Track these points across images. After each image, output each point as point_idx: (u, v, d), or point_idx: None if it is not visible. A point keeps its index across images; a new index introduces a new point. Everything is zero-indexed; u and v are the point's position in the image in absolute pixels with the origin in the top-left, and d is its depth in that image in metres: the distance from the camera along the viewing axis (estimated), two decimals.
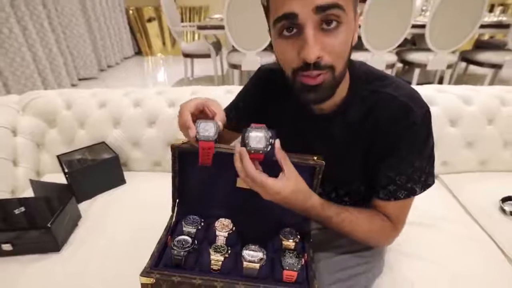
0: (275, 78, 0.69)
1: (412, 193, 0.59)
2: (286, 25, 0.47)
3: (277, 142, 0.51)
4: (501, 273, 0.79)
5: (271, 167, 0.52)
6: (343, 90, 0.59)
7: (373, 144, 0.59)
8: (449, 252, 0.84)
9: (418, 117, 0.55)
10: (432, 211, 0.95)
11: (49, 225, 0.78)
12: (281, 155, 0.52)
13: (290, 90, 0.59)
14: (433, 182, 0.62)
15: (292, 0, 0.44)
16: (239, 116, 0.79)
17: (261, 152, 0.50)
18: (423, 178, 0.59)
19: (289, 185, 0.52)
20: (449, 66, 2.67)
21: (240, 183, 0.66)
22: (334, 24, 0.45)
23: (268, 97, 0.72)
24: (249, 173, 0.50)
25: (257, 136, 0.51)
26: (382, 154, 0.58)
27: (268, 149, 0.51)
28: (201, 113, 0.58)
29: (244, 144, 0.51)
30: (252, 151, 0.50)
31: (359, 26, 2.37)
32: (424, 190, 0.61)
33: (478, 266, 0.80)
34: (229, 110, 0.81)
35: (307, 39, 0.45)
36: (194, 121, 0.54)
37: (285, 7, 0.45)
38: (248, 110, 0.78)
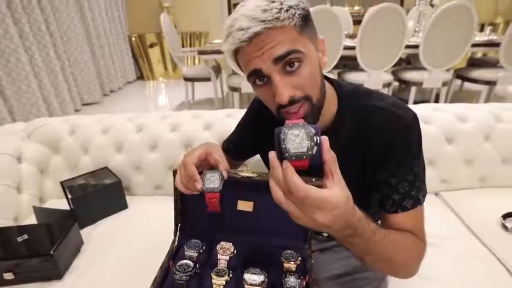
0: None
1: (417, 202, 0.58)
2: (256, 78, 0.53)
3: (325, 141, 0.39)
4: None
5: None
6: (332, 109, 0.62)
7: (368, 154, 0.60)
8: (452, 270, 0.83)
9: (408, 121, 0.57)
10: (433, 229, 0.93)
11: (51, 252, 0.78)
12: (331, 158, 0.39)
13: None
14: (426, 190, 0.61)
15: (253, 60, 0.50)
16: (237, 147, 0.83)
17: (304, 157, 0.37)
18: (422, 186, 0.60)
19: (344, 194, 0.39)
20: (444, 84, 2.73)
21: (241, 206, 0.67)
22: (296, 65, 0.50)
23: (263, 124, 0.74)
24: (298, 189, 0.36)
25: (297, 136, 0.38)
26: (379, 161, 0.59)
27: (314, 151, 0.37)
28: (203, 161, 0.61)
29: (279, 149, 0.38)
30: (293, 158, 0.37)
31: (355, 46, 2.45)
32: (424, 199, 0.60)
33: (482, 284, 0.79)
34: (228, 142, 0.85)
35: (276, 86, 0.50)
36: (199, 172, 0.58)
37: (250, 65, 0.51)
38: (244, 141, 0.81)
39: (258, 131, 0.75)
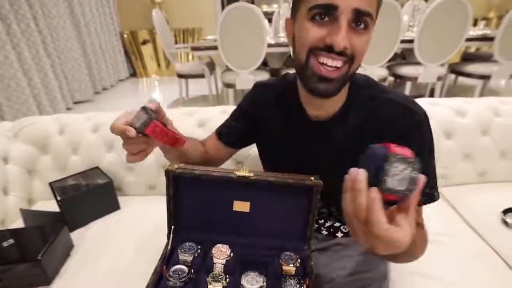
0: (270, 91, 0.72)
1: (432, 199, 0.58)
2: (321, 13, 0.50)
3: (422, 181, 0.34)
4: (507, 286, 0.77)
5: None
6: (341, 97, 0.61)
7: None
8: (452, 266, 0.82)
9: (421, 116, 0.57)
10: (432, 225, 0.92)
11: (39, 257, 0.74)
12: (416, 199, 0.35)
13: (286, 101, 0.64)
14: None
15: None
16: (231, 131, 0.79)
17: (400, 195, 0.34)
18: (435, 183, 0.59)
19: (412, 231, 0.36)
20: (439, 78, 2.72)
21: (237, 207, 0.64)
22: (362, 26, 0.50)
23: (262, 110, 0.73)
24: (379, 227, 0.33)
25: (401, 172, 0.33)
26: None
27: (411, 193, 0.34)
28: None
29: (376, 176, 0.34)
30: (385, 192, 0.34)
31: None
32: (439, 197, 0.59)
33: (483, 280, 0.78)
34: (222, 125, 0.82)
35: (341, 27, 0.48)
36: None
37: None
38: (241, 125, 0.78)
39: (257, 118, 0.73)
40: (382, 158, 0.34)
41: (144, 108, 0.53)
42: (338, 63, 0.51)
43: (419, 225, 0.57)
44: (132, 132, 0.50)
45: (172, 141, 0.56)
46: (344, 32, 0.48)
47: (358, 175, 0.35)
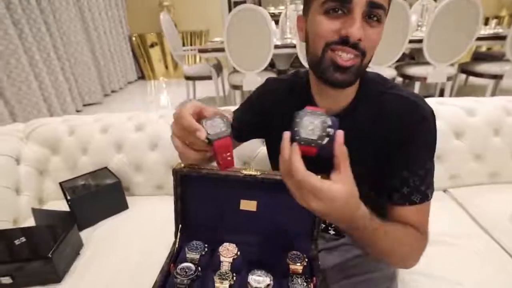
0: (281, 85, 0.73)
1: (426, 197, 0.58)
2: (334, 6, 0.50)
3: (340, 135, 0.39)
4: None
5: (317, 163, 0.40)
6: (352, 91, 0.61)
7: (386, 140, 0.59)
8: (463, 268, 0.80)
9: (427, 113, 0.57)
10: (442, 227, 0.91)
11: (49, 255, 0.76)
12: (341, 152, 0.39)
13: (297, 94, 0.65)
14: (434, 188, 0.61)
15: None
16: (237, 123, 0.78)
17: (313, 145, 0.39)
18: (431, 183, 0.59)
19: (346, 190, 0.39)
20: (449, 79, 2.68)
21: (244, 206, 0.64)
22: (375, 19, 0.51)
23: (272, 104, 0.73)
24: (297, 173, 0.38)
25: (311, 123, 0.39)
26: (396, 149, 0.58)
27: (324, 141, 0.39)
28: (199, 115, 0.49)
29: (292, 131, 0.40)
30: (302, 143, 0.39)
31: None
32: (432, 195, 0.59)
33: (495, 283, 0.76)
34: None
35: (355, 19, 0.49)
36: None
37: None
38: (248, 118, 0.78)
39: (266, 112, 0.73)
40: (296, 115, 0.40)
41: (223, 118, 0.47)
42: (351, 56, 0.52)
43: (412, 225, 0.56)
44: (202, 135, 0.45)
45: (226, 165, 0.49)
46: (359, 23, 0.49)
47: (284, 135, 0.41)
